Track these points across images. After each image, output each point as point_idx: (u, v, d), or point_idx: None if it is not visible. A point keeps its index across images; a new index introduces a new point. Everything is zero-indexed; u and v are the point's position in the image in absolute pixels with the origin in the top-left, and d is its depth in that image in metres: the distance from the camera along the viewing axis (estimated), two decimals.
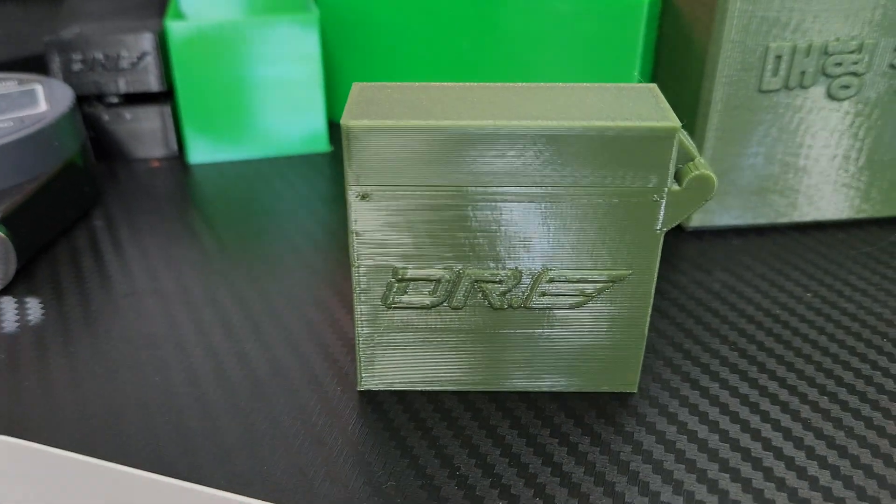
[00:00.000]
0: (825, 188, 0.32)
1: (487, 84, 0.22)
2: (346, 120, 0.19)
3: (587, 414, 0.23)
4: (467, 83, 0.22)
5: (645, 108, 0.20)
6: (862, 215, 0.33)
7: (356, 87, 0.21)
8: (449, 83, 0.22)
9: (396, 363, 0.23)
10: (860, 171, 0.31)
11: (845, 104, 0.30)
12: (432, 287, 0.22)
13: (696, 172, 0.20)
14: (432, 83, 0.22)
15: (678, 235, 0.33)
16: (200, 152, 0.39)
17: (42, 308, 0.28)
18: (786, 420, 0.23)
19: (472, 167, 0.20)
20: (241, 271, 0.30)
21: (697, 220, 0.32)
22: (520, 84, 0.22)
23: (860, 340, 0.26)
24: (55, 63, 0.37)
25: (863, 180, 0.32)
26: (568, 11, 0.33)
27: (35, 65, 0.44)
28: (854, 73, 0.29)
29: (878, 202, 0.32)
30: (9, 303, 0.28)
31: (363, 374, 0.23)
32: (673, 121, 0.19)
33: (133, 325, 0.27)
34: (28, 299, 0.28)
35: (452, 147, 0.19)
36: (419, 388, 0.23)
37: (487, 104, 0.20)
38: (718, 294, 0.29)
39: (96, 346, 0.26)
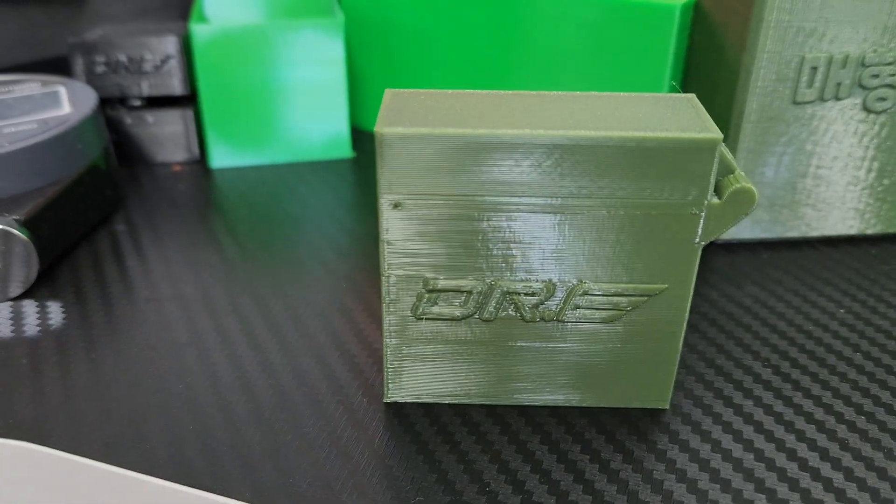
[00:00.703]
0: (858, 201, 0.31)
1: (522, 92, 0.21)
2: (380, 127, 0.19)
3: (618, 430, 0.22)
4: (501, 91, 0.21)
5: (685, 118, 0.20)
6: (895, 230, 0.32)
7: (389, 94, 0.21)
8: (483, 91, 0.21)
9: (424, 375, 0.23)
10: (894, 184, 0.31)
11: (881, 117, 0.29)
12: (463, 298, 0.21)
13: (737, 185, 0.20)
14: (466, 91, 0.21)
15: (707, 248, 0.32)
16: (223, 157, 0.38)
17: (63, 312, 0.28)
18: (822, 440, 0.22)
19: (507, 177, 0.19)
20: (264, 278, 0.30)
21: (727, 233, 0.32)
22: (555, 92, 0.21)
23: None
24: (78, 65, 0.37)
25: None
26: (597, 19, 0.33)
27: (57, 66, 0.43)
28: (891, 86, 0.29)
29: None
30: (30, 306, 0.28)
31: (390, 386, 0.23)
32: (715, 132, 0.19)
33: (155, 332, 0.27)
34: (49, 303, 0.28)
35: (488, 156, 0.19)
36: (447, 400, 0.23)
37: (523, 113, 0.20)
38: (749, 309, 0.28)
39: (118, 353, 0.26)
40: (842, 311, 0.28)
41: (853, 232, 0.32)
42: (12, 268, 0.28)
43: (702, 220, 0.20)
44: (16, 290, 0.28)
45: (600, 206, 0.20)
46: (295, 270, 0.30)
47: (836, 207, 0.31)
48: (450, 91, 0.21)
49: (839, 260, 0.31)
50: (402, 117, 0.19)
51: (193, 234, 0.33)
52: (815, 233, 0.32)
